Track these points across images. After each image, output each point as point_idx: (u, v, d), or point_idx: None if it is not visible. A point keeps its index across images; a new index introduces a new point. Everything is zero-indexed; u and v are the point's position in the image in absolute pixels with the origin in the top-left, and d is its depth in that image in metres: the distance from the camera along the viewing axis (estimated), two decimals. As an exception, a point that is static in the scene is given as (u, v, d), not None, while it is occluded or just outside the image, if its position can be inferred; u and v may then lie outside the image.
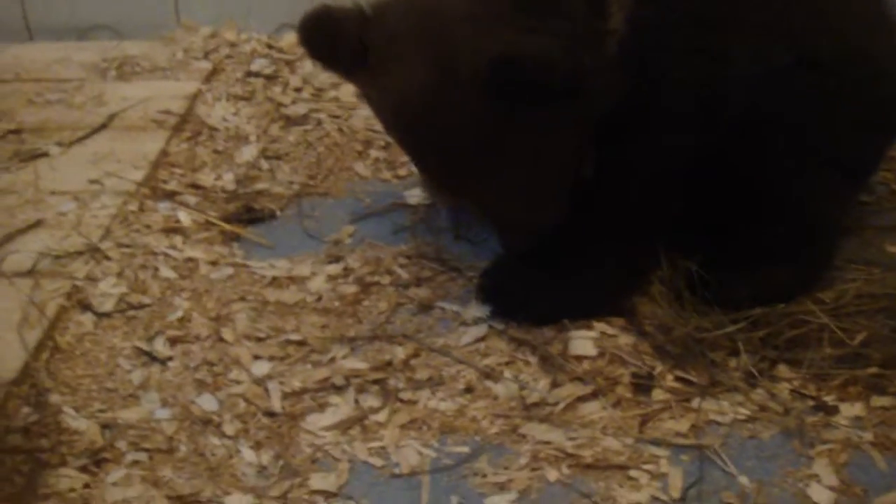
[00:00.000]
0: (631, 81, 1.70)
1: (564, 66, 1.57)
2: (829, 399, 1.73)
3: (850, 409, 1.71)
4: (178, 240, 2.13)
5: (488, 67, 1.59)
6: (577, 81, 1.60)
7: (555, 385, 1.75)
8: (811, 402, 1.73)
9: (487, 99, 1.62)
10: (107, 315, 1.93)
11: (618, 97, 1.70)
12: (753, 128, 1.81)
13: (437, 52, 1.66)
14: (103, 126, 2.52)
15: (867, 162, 2.02)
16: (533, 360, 1.80)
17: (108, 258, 2.06)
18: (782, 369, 1.78)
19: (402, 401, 1.74)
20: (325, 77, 2.68)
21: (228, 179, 2.33)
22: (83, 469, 1.62)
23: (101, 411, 1.73)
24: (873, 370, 1.77)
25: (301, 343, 1.86)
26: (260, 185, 2.32)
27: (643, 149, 1.80)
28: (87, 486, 1.59)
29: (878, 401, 1.73)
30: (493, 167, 1.73)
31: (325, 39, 1.75)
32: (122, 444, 1.66)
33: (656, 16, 1.70)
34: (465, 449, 1.66)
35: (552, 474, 1.60)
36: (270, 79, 2.74)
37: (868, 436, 1.66)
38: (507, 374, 1.78)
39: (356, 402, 1.74)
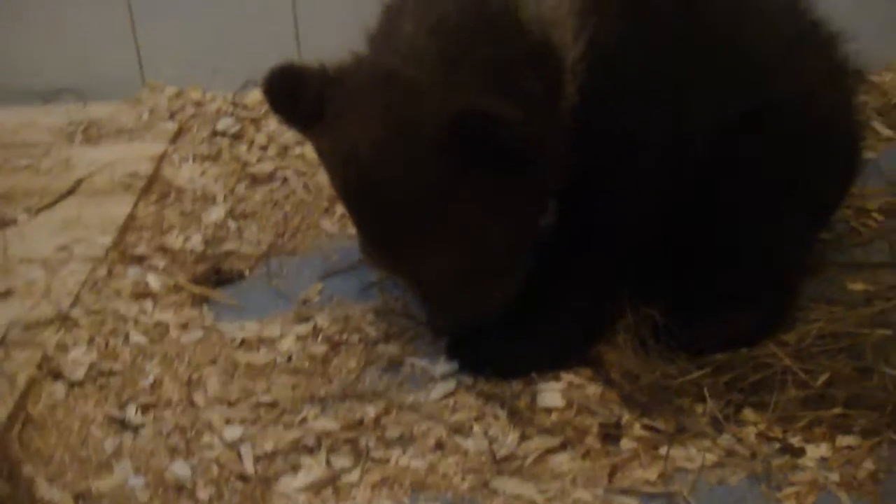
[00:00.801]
0: (588, 143, 1.72)
1: (521, 129, 1.58)
2: (795, 441, 1.75)
3: (816, 451, 1.73)
4: (147, 304, 2.14)
5: (451, 120, 1.59)
6: (533, 149, 1.61)
7: (524, 438, 1.77)
8: (777, 445, 1.75)
9: (443, 157, 1.61)
10: (78, 383, 1.93)
11: (568, 164, 1.72)
12: (713, 175, 1.84)
13: (395, 108, 1.67)
14: (71, 191, 2.53)
15: (828, 203, 2.06)
16: (502, 413, 1.82)
17: (78, 325, 2.07)
18: (748, 413, 1.80)
19: (373, 459, 1.75)
20: (290, 134, 2.70)
21: (196, 241, 2.35)
22: (58, 542, 1.62)
23: (75, 482, 1.73)
24: (837, 410, 1.79)
25: (272, 405, 1.88)
26: (228, 246, 2.34)
27: (605, 204, 1.82)
28: (62, 558, 1.60)
29: (844, 440, 1.75)
30: (435, 239, 1.71)
31: (285, 93, 1.78)
32: (95, 515, 1.67)
33: (611, 81, 1.72)
34: (438, 506, 1.67)
35: (524, 528, 1.62)
36: (236, 137, 2.76)
37: (834, 476, 1.68)
38: (477, 428, 1.79)
39: (328, 462, 1.75)
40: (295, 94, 1.76)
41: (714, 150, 1.81)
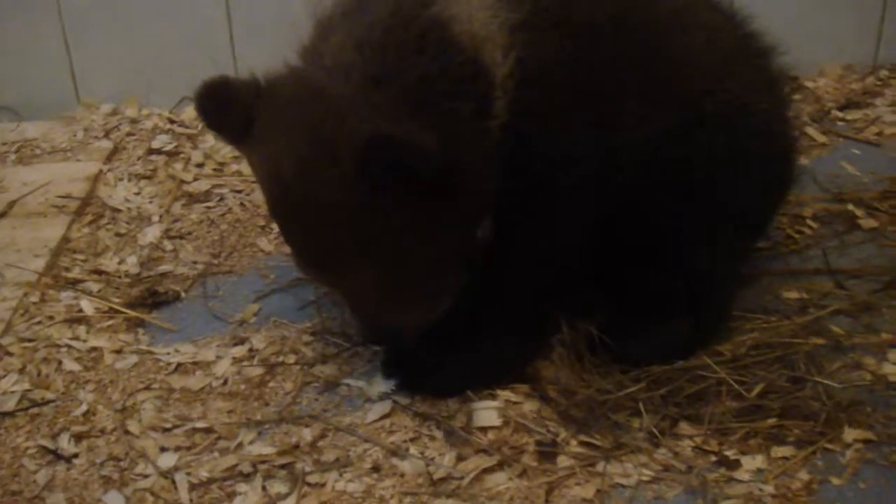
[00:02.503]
0: (519, 159, 1.72)
1: (434, 153, 1.56)
2: (731, 453, 1.76)
3: (752, 462, 1.74)
4: (81, 330, 2.11)
5: (360, 146, 1.57)
6: (448, 175, 1.60)
7: (460, 459, 1.76)
8: (713, 458, 1.75)
9: (358, 179, 1.60)
10: (9, 414, 1.90)
11: (497, 182, 1.72)
12: (644, 188, 1.84)
13: (317, 127, 1.65)
14: (3, 214, 2.50)
15: (761, 215, 2.07)
16: (438, 434, 1.81)
17: (9, 353, 2.04)
18: (684, 426, 1.81)
19: (309, 484, 1.74)
20: (227, 151, 2.69)
21: (132, 263, 2.33)
22: (-13, 580, 1.60)
23: (6, 516, 1.71)
24: (772, 421, 1.81)
25: (208, 430, 1.86)
26: (164, 268, 2.32)
27: (536, 220, 1.82)
28: None
29: (779, 451, 1.76)
30: (357, 252, 1.70)
31: (217, 107, 1.76)
32: (26, 551, 1.65)
33: (540, 98, 1.72)
34: (375, 531, 1.66)
35: (461, 551, 1.62)
36: (172, 155, 2.74)
37: (769, 488, 1.69)
38: (414, 450, 1.78)
39: (264, 488, 1.73)
40: (226, 107, 1.75)
41: (645, 164, 1.81)
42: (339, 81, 1.68)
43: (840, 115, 2.84)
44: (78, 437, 1.86)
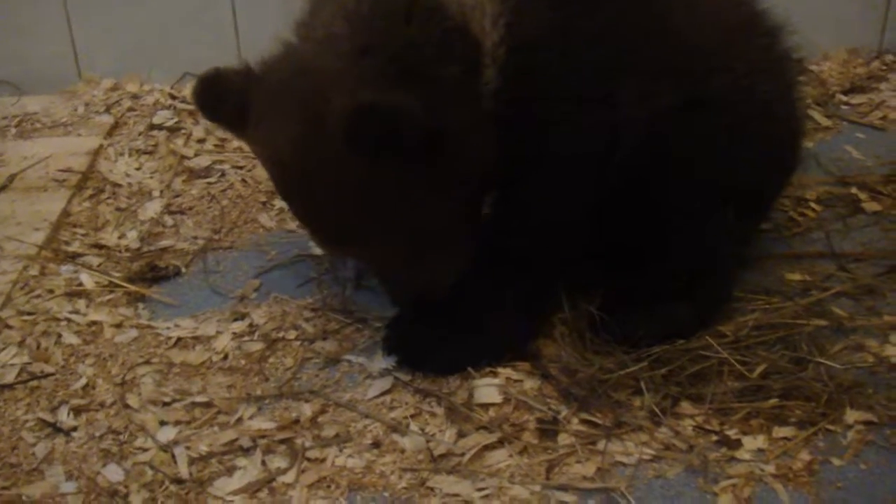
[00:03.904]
0: (514, 129, 1.72)
1: (420, 119, 1.58)
2: (732, 433, 1.75)
3: (753, 442, 1.74)
4: (81, 304, 2.11)
5: (345, 119, 1.59)
6: (436, 136, 1.61)
7: (461, 435, 1.76)
8: (714, 437, 1.75)
9: (350, 151, 1.62)
10: (9, 387, 1.90)
11: (493, 151, 1.72)
12: (646, 167, 1.83)
13: (307, 107, 1.67)
14: (3, 188, 2.49)
15: (764, 197, 2.06)
16: (439, 410, 1.81)
17: (8, 327, 2.04)
18: (685, 405, 1.80)
19: (309, 459, 1.73)
20: (227, 127, 2.67)
21: (132, 237, 2.32)
22: (-14, 550, 1.59)
23: (5, 488, 1.70)
24: (774, 401, 1.80)
25: (207, 405, 1.85)
26: (164, 242, 2.31)
27: (537, 193, 1.82)
28: (-10, 567, 1.57)
29: (780, 431, 1.76)
30: (367, 222, 1.73)
31: (213, 99, 1.78)
32: (25, 522, 1.64)
33: (532, 67, 1.72)
34: (375, 506, 1.66)
35: (461, 527, 1.61)
36: (173, 131, 2.73)
37: (770, 468, 1.69)
38: (414, 426, 1.78)
39: (263, 463, 1.73)
40: (221, 98, 1.77)
41: (646, 143, 1.80)
42: (328, 54, 1.71)
43: (845, 99, 2.84)
44: (77, 411, 1.85)
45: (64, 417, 1.84)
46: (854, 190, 2.40)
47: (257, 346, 1.98)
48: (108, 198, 2.47)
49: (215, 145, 2.66)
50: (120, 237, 2.32)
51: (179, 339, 2.01)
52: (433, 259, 1.81)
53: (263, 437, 1.77)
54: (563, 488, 1.66)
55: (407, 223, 1.74)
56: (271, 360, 1.96)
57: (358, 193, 1.68)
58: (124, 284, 2.16)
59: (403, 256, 1.79)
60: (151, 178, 2.54)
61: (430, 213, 1.75)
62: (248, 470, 1.72)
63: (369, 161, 1.62)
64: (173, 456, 1.75)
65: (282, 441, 1.77)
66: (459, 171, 1.74)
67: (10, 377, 1.91)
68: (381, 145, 1.59)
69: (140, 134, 2.73)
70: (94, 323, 2.06)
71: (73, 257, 2.25)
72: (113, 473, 1.72)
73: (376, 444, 1.76)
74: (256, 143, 1.81)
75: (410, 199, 1.71)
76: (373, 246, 1.78)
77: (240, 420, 1.82)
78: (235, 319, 2.06)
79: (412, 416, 1.80)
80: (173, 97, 2.91)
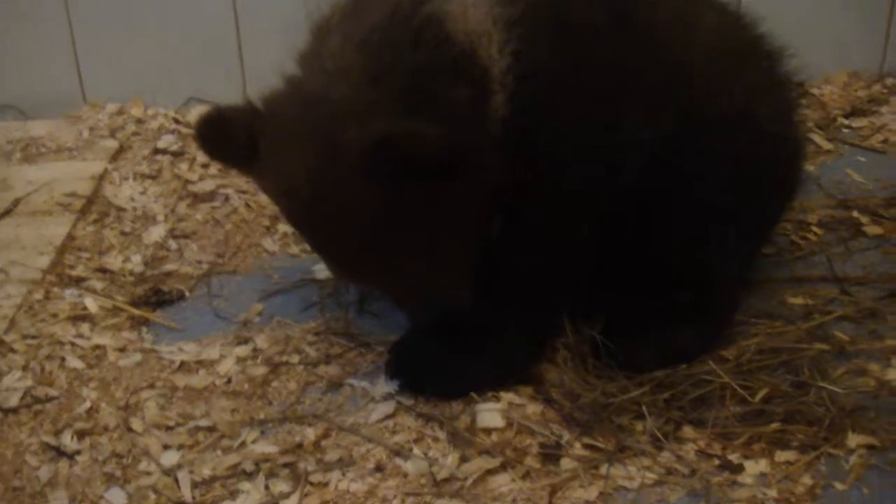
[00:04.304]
0: (521, 155, 1.73)
1: (439, 143, 1.59)
2: (734, 457, 1.76)
3: (755, 467, 1.74)
4: (85, 327, 2.11)
5: (368, 149, 1.60)
6: (455, 158, 1.62)
7: (464, 460, 1.76)
8: (717, 462, 1.75)
9: (371, 180, 1.63)
10: (13, 410, 1.90)
11: (503, 170, 1.72)
12: (647, 192, 1.84)
13: (322, 138, 1.68)
14: (8, 212, 2.50)
15: (765, 219, 2.07)
16: (441, 435, 1.81)
17: (13, 350, 2.04)
18: (688, 430, 1.81)
19: (312, 484, 1.74)
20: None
21: (136, 261, 2.33)
22: (-11, 575, 1.60)
23: (8, 512, 1.71)
24: (776, 426, 1.80)
25: (211, 429, 1.86)
26: (168, 266, 2.32)
27: (541, 218, 1.83)
28: (-8, 592, 1.57)
29: (782, 455, 1.76)
30: (387, 248, 1.73)
31: (217, 138, 1.78)
32: (28, 547, 1.65)
33: (539, 94, 1.73)
34: (377, 530, 1.66)
35: (464, 552, 1.62)
36: (177, 155, 2.74)
37: (772, 492, 1.69)
38: (417, 450, 1.78)
39: (266, 487, 1.73)
40: (226, 137, 1.77)
41: (647, 168, 1.81)
42: (340, 84, 1.71)
43: (846, 122, 2.84)
44: (81, 435, 1.85)
45: (68, 441, 1.84)
46: (855, 213, 2.41)
47: (261, 371, 1.99)
48: (113, 222, 2.48)
49: (219, 170, 2.66)
50: (124, 261, 2.33)
51: (183, 363, 2.02)
52: (449, 278, 1.82)
53: (266, 460, 1.78)
54: (566, 513, 1.67)
55: (424, 245, 1.75)
56: (274, 384, 1.96)
57: (377, 220, 1.69)
58: (128, 308, 2.17)
59: (420, 278, 1.79)
60: (156, 202, 2.55)
61: (447, 235, 1.76)
62: (252, 494, 1.72)
63: (388, 188, 1.63)
64: (176, 480, 1.75)
65: (285, 465, 1.77)
66: (473, 193, 1.74)
67: (14, 401, 1.92)
68: (401, 172, 1.61)
69: (144, 158, 2.74)
70: (98, 347, 2.07)
71: (77, 281, 2.26)
72: (116, 497, 1.72)
73: (379, 469, 1.76)
74: (267, 178, 1.81)
75: (428, 221, 1.72)
76: (391, 270, 1.78)
77: (243, 444, 1.82)
78: (239, 343, 2.07)
79: (415, 441, 1.81)
80: (177, 121, 2.92)
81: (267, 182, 1.83)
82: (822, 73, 3.01)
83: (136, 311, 2.16)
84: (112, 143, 2.81)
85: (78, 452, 1.82)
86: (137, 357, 2.04)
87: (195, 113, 2.89)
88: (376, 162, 1.60)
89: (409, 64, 1.69)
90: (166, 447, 1.82)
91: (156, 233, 2.43)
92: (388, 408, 1.87)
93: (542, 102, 1.73)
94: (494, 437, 1.80)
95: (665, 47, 1.85)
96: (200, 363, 2.02)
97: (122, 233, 2.44)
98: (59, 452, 1.82)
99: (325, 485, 1.73)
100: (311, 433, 1.83)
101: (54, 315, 2.14)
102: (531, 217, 1.83)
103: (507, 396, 1.88)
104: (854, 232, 2.35)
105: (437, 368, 1.90)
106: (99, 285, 2.24)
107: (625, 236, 1.86)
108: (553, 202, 1.81)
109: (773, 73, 2.02)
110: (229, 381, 1.97)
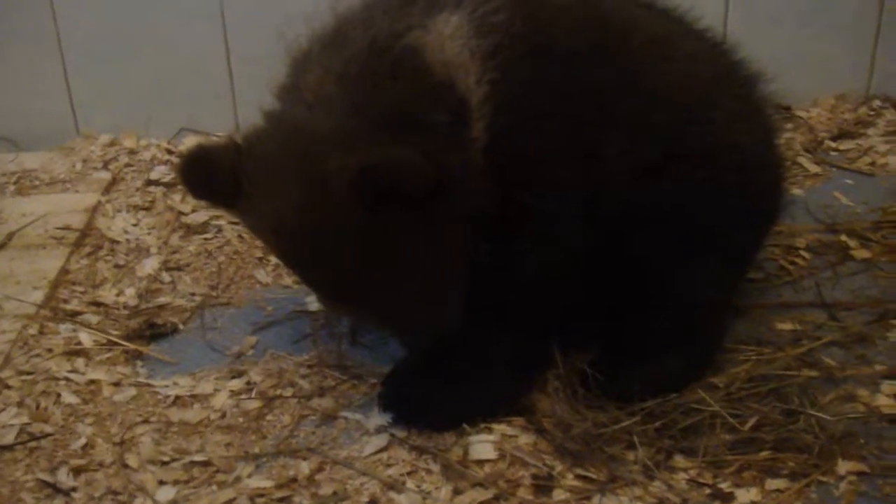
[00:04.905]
0: (502, 184, 1.74)
1: (423, 169, 1.61)
2: (725, 486, 1.77)
3: (746, 495, 1.75)
4: (80, 362, 2.13)
5: (353, 177, 1.62)
6: (440, 182, 1.63)
7: (457, 492, 1.77)
8: (708, 491, 1.76)
9: (358, 208, 1.64)
10: (8, 448, 1.91)
11: (486, 196, 1.74)
12: (630, 221, 1.86)
13: (306, 170, 1.69)
14: (2, 246, 2.51)
15: (749, 246, 2.08)
16: (435, 467, 1.82)
17: (8, 387, 2.05)
18: (678, 459, 1.82)
19: (307, 518, 1.75)
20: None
21: (130, 295, 2.34)
22: None
23: (5, 550, 1.72)
24: (766, 453, 1.82)
25: (206, 464, 1.87)
26: (162, 299, 2.33)
27: (523, 248, 1.83)
28: None
29: (773, 483, 1.77)
30: (375, 275, 1.74)
31: (200, 177, 1.79)
32: (25, 586, 1.65)
33: (517, 122, 1.75)
34: (371, 565, 1.67)
35: (457, 585, 1.63)
36: (170, 186, 2.76)
37: (763, 521, 1.71)
38: (410, 483, 1.79)
39: (261, 522, 1.75)
40: (209, 176, 1.78)
41: (627, 197, 1.83)
42: (320, 115, 1.73)
43: (833, 145, 2.87)
44: (77, 471, 1.86)
45: (63, 478, 1.84)
46: (843, 237, 2.43)
47: (255, 404, 2.00)
48: (107, 255, 2.49)
49: (211, 201, 2.68)
50: (118, 294, 2.34)
51: (177, 397, 2.03)
52: (437, 303, 1.83)
53: (261, 495, 1.79)
54: (559, 544, 1.69)
55: (412, 271, 1.76)
56: (269, 417, 1.98)
57: (364, 247, 1.70)
58: (122, 343, 2.18)
59: (409, 303, 1.80)
60: (149, 234, 2.57)
61: (433, 260, 1.77)
62: (247, 529, 1.74)
63: (374, 215, 1.65)
64: (172, 516, 1.77)
65: (280, 500, 1.78)
66: (457, 219, 1.76)
67: (9, 438, 1.93)
68: (386, 199, 1.62)
69: (137, 190, 2.76)
70: (92, 382, 2.08)
71: (71, 315, 2.27)
72: (112, 534, 1.74)
73: (373, 502, 1.77)
74: (251, 214, 1.81)
75: (414, 247, 1.73)
76: (380, 297, 1.79)
77: (238, 479, 1.83)
78: (233, 377, 2.08)
79: (408, 474, 1.82)
80: (170, 152, 2.94)
81: (252, 218, 1.83)
82: (808, 96, 3.03)
83: (131, 346, 2.17)
84: (105, 175, 2.83)
85: (74, 489, 1.83)
86: (132, 392, 2.05)
87: (187, 143, 2.91)
88: (361, 190, 1.62)
89: (389, 93, 1.71)
90: (161, 483, 1.83)
91: (149, 265, 2.44)
92: (381, 440, 1.89)
93: (520, 131, 1.75)
94: (487, 468, 1.82)
95: (643, 75, 1.87)
96: (195, 397, 2.03)
97: (116, 265, 2.45)
98: (56, 489, 1.83)
99: (320, 519, 1.75)
100: (305, 467, 1.84)
101: (49, 350, 2.15)
102: (513, 246, 1.84)
103: (500, 427, 1.89)
104: (842, 256, 2.37)
105: (429, 400, 1.91)
106: (93, 319, 2.26)
107: (609, 265, 1.87)
108: (532, 231, 1.82)
109: (750, 99, 2.04)
110: (224, 415, 1.98)
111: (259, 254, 2.48)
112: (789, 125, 2.87)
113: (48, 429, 1.96)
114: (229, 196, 1.78)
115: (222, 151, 1.78)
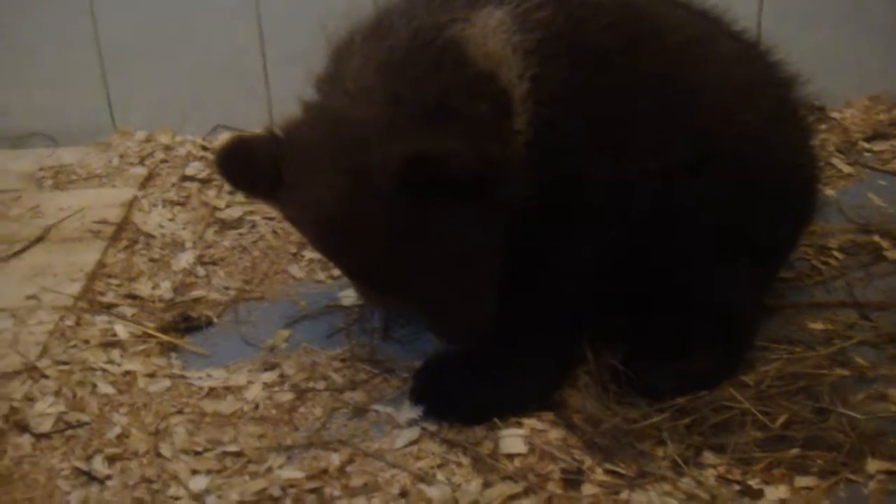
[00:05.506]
0: (541, 178, 1.75)
1: (468, 158, 1.62)
2: (754, 483, 1.77)
3: (775, 492, 1.75)
4: (115, 354, 2.15)
5: (399, 168, 1.63)
6: (483, 171, 1.64)
7: (487, 485, 1.78)
8: (737, 487, 1.77)
9: (402, 198, 1.65)
10: (45, 436, 1.94)
11: (527, 188, 1.74)
12: (663, 219, 1.87)
13: (348, 160, 1.70)
14: (40, 239, 2.55)
15: (781, 246, 2.08)
16: (465, 460, 1.84)
17: (45, 376, 2.08)
18: (708, 456, 1.82)
19: (338, 509, 1.77)
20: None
21: (165, 288, 2.37)
22: None
23: (41, 536, 1.75)
24: (796, 451, 1.82)
25: (238, 454, 1.89)
26: (196, 293, 2.36)
27: (559, 243, 1.85)
28: None
29: (802, 481, 1.77)
30: (419, 265, 1.75)
31: (240, 169, 1.81)
32: (60, 571, 1.68)
33: (557, 117, 1.76)
34: (402, 556, 1.69)
35: (487, 577, 1.64)
36: (205, 182, 2.79)
37: (792, 518, 1.71)
38: (440, 476, 1.81)
39: (293, 513, 1.77)
40: (248, 166, 1.79)
41: (661, 196, 1.84)
42: (361, 104, 1.74)
43: (867, 146, 2.86)
44: (111, 460, 1.89)
45: (98, 466, 1.87)
46: (877, 238, 2.42)
47: (287, 397, 2.02)
48: (142, 249, 2.53)
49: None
50: (153, 288, 2.37)
51: (211, 389, 2.06)
52: (476, 295, 1.83)
53: (293, 486, 1.81)
54: (588, 538, 1.69)
55: (454, 262, 1.77)
56: (301, 409, 2.00)
57: (409, 238, 1.71)
58: (157, 335, 2.21)
59: (450, 294, 1.80)
60: (184, 229, 2.60)
61: (475, 249, 1.78)
62: (278, 519, 1.76)
63: (418, 206, 1.66)
64: (205, 504, 1.79)
65: (311, 490, 1.80)
66: (499, 206, 1.76)
67: (46, 426, 1.96)
68: (432, 189, 1.63)
69: (173, 185, 2.79)
70: (128, 373, 2.10)
71: (108, 308, 2.30)
72: (146, 522, 1.76)
73: (403, 494, 1.78)
74: (293, 205, 1.82)
75: (457, 236, 1.74)
76: (423, 287, 1.79)
77: (270, 469, 1.85)
78: (266, 370, 2.10)
79: (439, 466, 1.83)
80: (205, 148, 2.97)
81: (292, 209, 1.85)
82: (842, 97, 3.02)
83: (165, 338, 2.20)
84: (141, 171, 2.86)
85: (108, 477, 1.85)
86: (167, 383, 2.08)
87: (221, 140, 2.93)
88: (406, 180, 1.63)
89: (432, 84, 1.73)
90: (195, 472, 1.85)
91: (184, 259, 2.47)
92: (412, 433, 1.90)
93: (559, 127, 1.77)
94: (517, 462, 1.83)
95: (678, 74, 1.88)
96: (228, 389, 2.05)
97: (151, 259, 2.48)
98: (90, 477, 1.85)
99: (351, 510, 1.77)
100: (336, 459, 1.86)
101: (86, 341, 2.18)
102: (548, 243, 1.85)
103: (530, 422, 1.90)
104: (875, 257, 2.37)
105: (461, 394, 1.93)
106: (129, 311, 2.29)
107: (642, 262, 1.88)
108: (570, 227, 1.84)
109: (785, 101, 2.04)
110: (257, 406, 2.00)
111: (293, 249, 2.50)
112: (823, 126, 2.86)
113: (84, 418, 1.98)
114: (269, 187, 1.79)
115: (262, 142, 1.79)
